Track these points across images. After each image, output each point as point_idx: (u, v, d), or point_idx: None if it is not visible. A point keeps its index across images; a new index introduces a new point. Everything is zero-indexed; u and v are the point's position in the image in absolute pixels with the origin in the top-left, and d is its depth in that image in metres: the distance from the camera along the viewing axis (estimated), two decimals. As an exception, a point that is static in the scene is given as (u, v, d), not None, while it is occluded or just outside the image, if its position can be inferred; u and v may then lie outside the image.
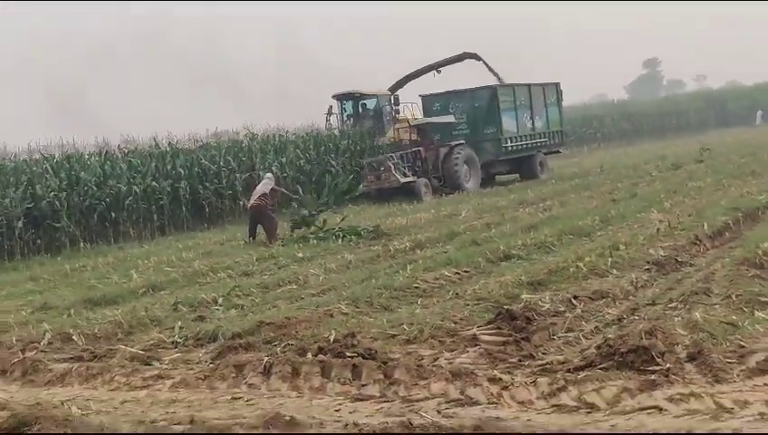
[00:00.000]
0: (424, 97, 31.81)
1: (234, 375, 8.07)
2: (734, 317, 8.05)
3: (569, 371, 7.04)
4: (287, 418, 6.62)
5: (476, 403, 6.59)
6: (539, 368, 7.25)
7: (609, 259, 11.59)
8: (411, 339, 8.49)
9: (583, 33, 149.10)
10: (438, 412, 6.40)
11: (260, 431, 6.34)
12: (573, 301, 9.28)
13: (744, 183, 20.37)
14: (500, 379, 6.99)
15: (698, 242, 12.59)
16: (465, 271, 12.12)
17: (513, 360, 7.55)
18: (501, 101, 30.14)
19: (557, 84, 33.66)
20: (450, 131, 29.67)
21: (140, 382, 8.34)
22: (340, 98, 31.43)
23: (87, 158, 25.91)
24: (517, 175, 31.52)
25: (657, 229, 13.94)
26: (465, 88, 31.16)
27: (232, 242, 20.75)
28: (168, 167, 27.25)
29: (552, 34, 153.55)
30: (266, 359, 8.18)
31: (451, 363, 7.57)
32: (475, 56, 31.59)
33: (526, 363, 7.42)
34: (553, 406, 6.38)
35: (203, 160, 28.01)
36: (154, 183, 26.38)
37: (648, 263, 11.18)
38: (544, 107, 32.42)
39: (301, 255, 16.23)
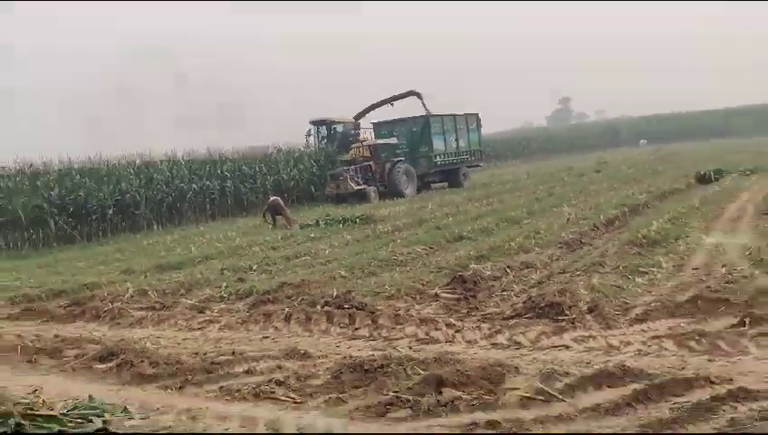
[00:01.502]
0: (375, 123, 30.98)
1: (263, 321, 8.13)
2: (620, 282, 8.10)
3: (503, 319, 7.09)
4: (302, 351, 6.66)
5: (437, 341, 6.65)
6: (482, 317, 7.28)
7: (533, 240, 11.64)
8: (391, 296, 8.52)
9: (515, 74, 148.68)
10: (410, 348, 6.46)
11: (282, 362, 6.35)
12: (507, 269, 9.30)
13: (629, 187, 20.45)
14: (454, 324, 7.06)
15: (596, 228, 12.65)
16: (431, 247, 12.14)
17: (464, 311, 7.58)
18: (432, 127, 29.30)
19: (477, 114, 32.63)
20: (394, 150, 28.57)
21: (196, 325, 8.37)
22: (317, 123, 30.29)
23: (159, 163, 25.78)
24: (446, 183, 30.63)
25: (567, 219, 13.99)
26: (406, 117, 30.22)
27: (262, 226, 20.69)
28: (218, 171, 27.11)
29: (491, 77, 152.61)
30: (287, 309, 8.25)
31: (419, 313, 7.60)
32: (418, 94, 30.29)
33: (473, 314, 7.45)
34: (492, 344, 6.44)
35: (243, 166, 27.92)
36: (207, 182, 26.30)
37: (560, 243, 11.23)
38: (467, 132, 31.48)
39: (313, 235, 16.21)
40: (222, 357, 6.67)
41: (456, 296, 8.09)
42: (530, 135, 66.44)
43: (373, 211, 20.11)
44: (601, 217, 13.72)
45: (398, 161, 27.61)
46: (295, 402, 5.44)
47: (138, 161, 25.17)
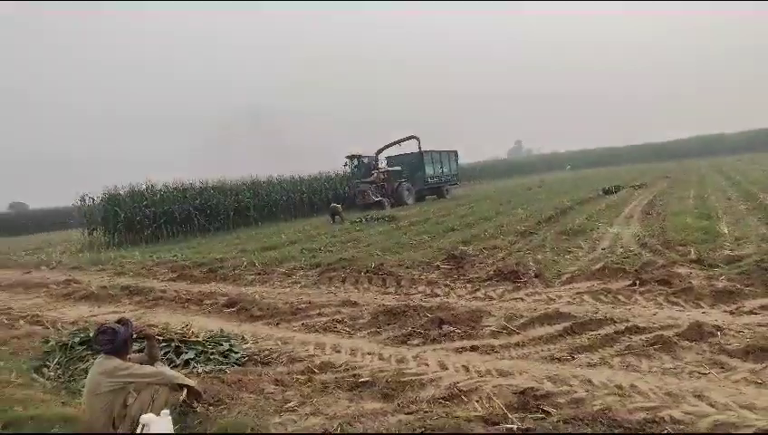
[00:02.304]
0: (388, 158, 29.97)
1: (328, 282, 8.11)
2: (555, 257, 7.97)
3: (480, 281, 6.99)
4: (353, 301, 6.65)
5: (438, 296, 6.60)
6: (467, 280, 7.18)
7: (499, 231, 11.44)
8: (409, 266, 8.42)
9: (485, 119, 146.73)
10: (421, 300, 6.40)
11: (339, 308, 6.35)
12: (483, 250, 9.17)
13: (559, 197, 20.09)
14: (449, 285, 6.99)
15: (539, 223, 12.43)
16: (433, 236, 12.00)
17: (455, 276, 7.47)
18: (424, 159, 28.47)
19: (455, 151, 31.94)
20: (400, 174, 27.91)
21: (287, 285, 8.37)
22: (350, 157, 29.11)
23: (261, 182, 25.97)
24: (435, 196, 29.59)
25: (521, 217, 13.79)
26: (406, 153, 29.20)
27: (326, 222, 20.74)
28: (299, 187, 27.19)
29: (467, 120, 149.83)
30: (343, 275, 8.22)
31: (427, 278, 7.52)
32: (416, 138, 29.03)
33: (461, 278, 7.35)
34: (473, 297, 6.36)
35: (314, 184, 28.01)
36: (292, 195, 26.39)
37: (516, 233, 11.06)
38: (448, 162, 30.66)
39: (358, 229, 16.15)
40: (303, 305, 6.71)
41: (450, 267, 8.01)
42: (496, 163, 65.66)
43: (395, 213, 20.05)
44: (542, 215, 13.50)
45: (402, 181, 27.18)
46: (349, 334, 5.46)
47: (249, 181, 25.37)
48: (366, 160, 29.28)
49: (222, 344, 5.00)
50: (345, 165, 29.51)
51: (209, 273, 10.00)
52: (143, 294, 8.50)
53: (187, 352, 4.76)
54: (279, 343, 5.34)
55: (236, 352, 4.91)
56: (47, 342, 5.35)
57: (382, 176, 27.29)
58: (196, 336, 5.05)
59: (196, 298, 7.73)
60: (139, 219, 19.80)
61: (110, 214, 19.69)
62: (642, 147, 71.13)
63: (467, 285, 6.89)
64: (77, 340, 5.14)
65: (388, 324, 5.54)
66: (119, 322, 3.42)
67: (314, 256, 10.71)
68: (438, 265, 8.19)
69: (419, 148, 29.06)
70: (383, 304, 6.26)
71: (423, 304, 6.11)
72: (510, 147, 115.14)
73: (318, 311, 6.37)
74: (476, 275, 7.37)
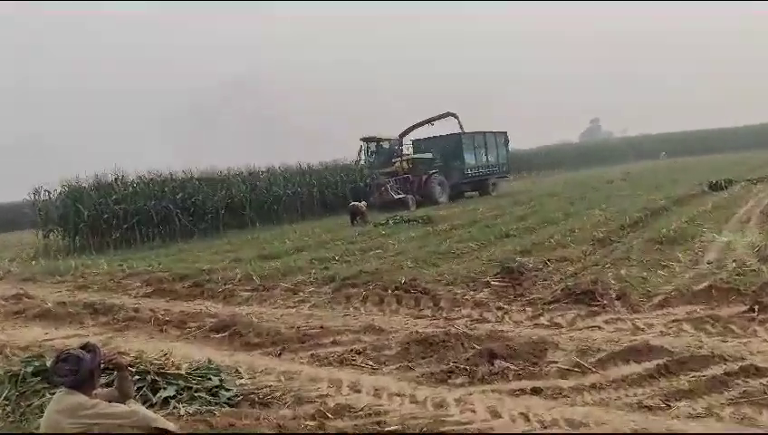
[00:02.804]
0: (414, 141, 29.92)
1: (345, 302, 8.18)
2: (644, 273, 7.86)
3: (544, 304, 6.96)
4: (377, 327, 6.69)
5: (489, 321, 6.60)
6: (526, 301, 7.17)
7: (569, 238, 11.35)
8: (450, 283, 8.45)
9: (555, 93, 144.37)
10: (466, 326, 6.41)
11: (361, 336, 6.38)
12: (547, 262, 9.10)
13: (650, 193, 19.73)
14: (503, 307, 7.00)
15: (623, 228, 12.26)
16: (482, 243, 11.98)
17: (511, 296, 7.46)
18: (464, 144, 28.32)
19: (505, 133, 31.42)
20: (430, 164, 27.69)
21: (291, 304, 8.49)
22: (366, 140, 29.29)
23: (260, 174, 26.30)
24: (477, 192, 29.51)
25: (598, 220, 13.63)
26: (441, 135, 29.10)
27: (343, 224, 20.86)
28: (307, 179, 27.45)
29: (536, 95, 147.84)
30: (364, 292, 8.26)
31: (473, 298, 7.53)
32: (455, 115, 28.90)
33: (519, 299, 7.33)
34: (535, 324, 6.35)
35: (327, 176, 28.18)
36: (299, 189, 26.65)
37: (593, 240, 10.93)
38: (495, 147, 30.37)
39: (384, 232, 16.21)
40: (312, 330, 6.77)
41: (504, 284, 7.97)
42: (564, 149, 64.93)
43: (433, 213, 20.04)
44: (627, 218, 13.29)
45: (433, 173, 26.90)
46: (372, 368, 5.48)
47: (244, 172, 25.74)
48: (386, 145, 29.04)
49: (210, 379, 5.07)
50: (360, 150, 29.49)
51: (194, 287, 10.15)
52: (111, 313, 8.70)
53: (165, 388, 4.85)
54: (282, 378, 5.39)
55: (228, 390, 4.98)
56: (-7, 371, 5.54)
57: (406, 165, 27.09)
58: (178, 368, 5.14)
59: (178, 320, 7.88)
60: (105, 218, 20.35)
61: (71, 212, 20.29)
62: (763, 128, 69.11)
63: (527, 309, 6.85)
64: (30, 369, 5.29)
65: (423, 358, 5.53)
66: (83, 347, 3.51)
67: (327, 268, 10.79)
68: (489, 282, 8.16)
69: (461, 128, 28.86)
70: (416, 332, 6.26)
71: (468, 331, 6.09)
72: (583, 128, 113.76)
73: (332, 338, 6.41)
74: (539, 296, 7.31)
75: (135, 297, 10.23)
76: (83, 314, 8.82)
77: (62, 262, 16.22)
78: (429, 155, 28.33)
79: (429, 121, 29.12)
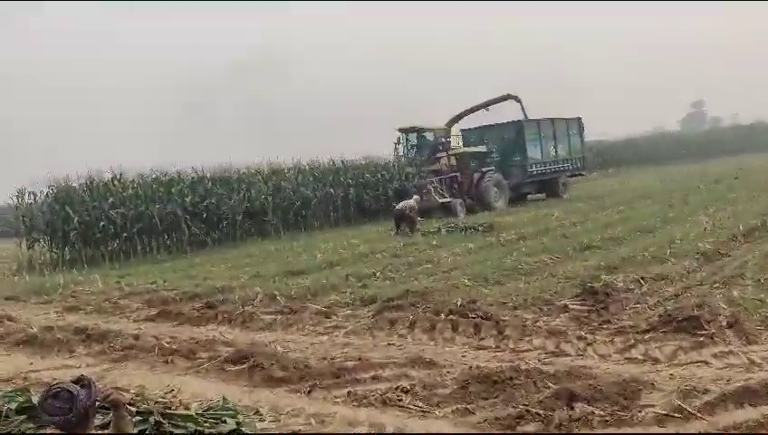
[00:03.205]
0: (464, 131, 29.55)
1: (388, 328, 8.21)
2: (762, 296, 7.72)
3: (637, 333, 6.89)
4: (427, 359, 6.68)
5: (567, 354, 6.56)
6: (614, 330, 7.11)
7: (668, 250, 11.20)
8: (517, 306, 8.44)
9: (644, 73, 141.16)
10: (539, 360, 6.38)
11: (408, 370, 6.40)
12: (640, 281, 9.01)
13: (772, 194, 19.24)
14: (585, 337, 6.94)
15: (735, 238, 12.02)
16: (558, 257, 11.91)
17: (595, 324, 7.42)
18: (527, 133, 27.94)
19: (579, 118, 30.75)
20: (484, 159, 27.43)
21: (323, 330, 8.57)
22: (405, 131, 28.99)
23: (286, 171, 26.57)
24: (543, 193, 29.26)
25: (704, 228, 13.39)
26: (496, 123, 28.93)
27: (384, 233, 20.93)
28: (341, 178, 27.65)
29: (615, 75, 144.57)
30: (411, 317, 8.28)
31: (548, 325, 7.50)
32: (516, 98, 28.57)
33: (605, 327, 7.28)
34: (626, 359, 6.29)
35: (366, 174, 28.26)
36: (331, 190, 26.85)
37: (698, 253, 10.74)
38: (567, 137, 29.73)
39: (435, 243, 16.23)
40: (349, 362, 6.80)
41: (586, 308, 7.91)
42: (661, 139, 63.70)
43: (496, 219, 19.94)
44: (740, 226, 13.00)
45: (488, 171, 26.53)
46: (422, 411, 5.46)
47: (265, 169, 26.08)
48: (430, 136, 28.53)
49: (225, 422, 5.14)
50: (396, 143, 28.95)
51: (206, 309, 10.32)
52: (107, 340, 8.89)
53: (172, 433, 4.94)
54: (312, 421, 5.43)
55: (247, 435, 5.04)
56: (-29, 407, 5.74)
57: (453, 161, 26.74)
58: (187, 408, 5.22)
59: (186, 349, 7.99)
60: (101, 226, 20.88)
61: (59, 218, 20.89)
62: None
63: (615, 339, 6.77)
64: (13, 406, 5.45)
65: (485, 399, 5.50)
66: (76, 382, 3.61)
67: (366, 287, 10.86)
68: (567, 306, 8.11)
69: (524, 114, 28.41)
70: (476, 366, 6.24)
71: (542, 367, 6.04)
72: (684, 113, 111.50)
73: (373, 373, 6.42)
74: (630, 323, 7.22)
75: (135, 321, 10.46)
76: (74, 341, 9.03)
77: (48, 278, 16.72)
78: (483, 148, 28.01)
79: (484, 106, 28.68)
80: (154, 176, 22.88)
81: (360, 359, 6.90)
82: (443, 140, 28.21)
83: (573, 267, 10.67)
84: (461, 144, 28.89)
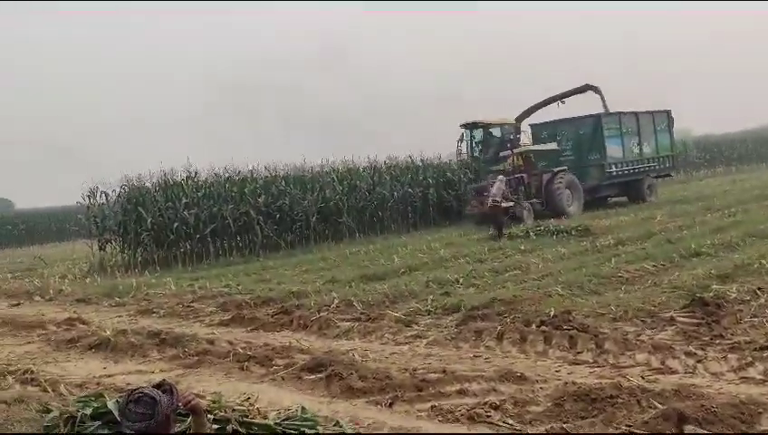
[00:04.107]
0: (533, 126, 28.52)
1: (474, 338, 8.19)
2: None
3: (755, 350, 6.65)
4: (518, 374, 6.62)
5: (674, 372, 6.40)
6: (728, 346, 6.88)
7: (788, 258, 10.74)
8: (617, 318, 8.28)
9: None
10: (642, 378, 6.24)
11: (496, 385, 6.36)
12: (758, 292, 8.69)
13: None
14: (695, 353, 6.76)
15: None
16: (662, 264, 11.64)
17: (706, 338, 7.20)
18: (606, 128, 26.52)
19: (668, 112, 29.21)
20: (556, 158, 26.19)
21: (403, 339, 8.61)
22: (469, 126, 27.66)
23: (361, 170, 26.80)
24: (625, 196, 27.90)
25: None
26: (572, 117, 27.48)
27: (468, 236, 20.86)
28: (420, 177, 27.70)
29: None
30: (499, 327, 8.25)
31: (652, 339, 7.33)
32: (595, 88, 27.27)
33: (717, 342, 7.06)
34: (742, 378, 6.09)
35: (447, 173, 28.19)
36: (409, 189, 26.92)
37: (822, 263, 10.28)
38: (653, 133, 28.20)
39: (523, 247, 16.09)
40: (432, 375, 6.79)
41: (695, 321, 7.70)
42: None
43: (591, 222, 19.58)
44: None
45: (560, 172, 25.15)
46: (513, 429, 5.41)
47: (340, 168, 26.37)
48: (497, 133, 27.51)
49: (304, 433, 5.22)
50: (460, 139, 27.76)
51: (281, 315, 10.53)
52: (180, 344, 9.18)
53: (250, 442, 5.05)
54: (395, 436, 5.46)
55: (327, 448, 5.10)
56: (47, 411, 6.00)
57: (519, 161, 25.37)
58: (264, 417, 5.32)
59: (262, 355, 8.17)
60: (174, 227, 21.53)
61: (131, 218, 21.67)
62: None
63: (729, 356, 6.57)
64: (88, 411, 5.68)
65: (583, 418, 5.41)
66: (158, 387, 3.73)
67: (449, 294, 10.85)
68: (673, 318, 7.94)
69: (605, 107, 26.81)
70: (572, 382, 6.15)
71: (646, 385, 5.91)
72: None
73: (458, 386, 6.41)
74: (746, 339, 7.00)
75: (209, 326, 10.75)
76: (147, 345, 9.36)
77: (120, 280, 17.38)
78: (554, 145, 26.86)
79: (560, 99, 27.64)
80: (227, 175, 23.44)
81: (444, 371, 6.87)
82: (511, 136, 27.23)
83: (680, 276, 10.39)
84: (530, 141, 27.93)
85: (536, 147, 26.91)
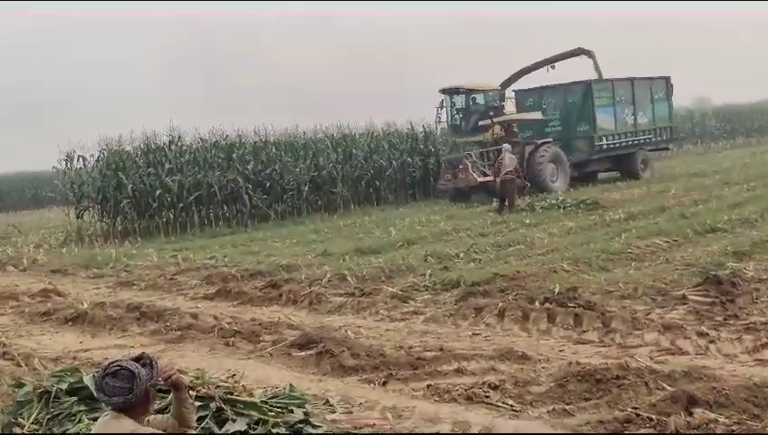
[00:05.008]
0: (517, 92, 27.57)
1: (473, 316, 8.24)
2: None
3: (772, 329, 6.68)
4: (519, 353, 6.66)
5: (685, 353, 6.44)
6: (742, 327, 6.93)
7: (808, 236, 10.80)
8: (626, 295, 8.33)
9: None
10: (651, 359, 6.29)
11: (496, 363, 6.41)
12: (775, 271, 8.72)
13: None
14: (707, 334, 6.81)
15: None
16: (675, 240, 11.67)
17: (719, 318, 7.25)
18: (596, 96, 25.53)
19: (667, 78, 28.23)
20: (541, 129, 25.36)
21: (399, 316, 8.66)
22: (449, 92, 26.25)
23: (358, 137, 26.72)
24: (618, 171, 26.95)
25: None
26: (559, 83, 26.41)
27: (468, 208, 20.87)
28: (421, 146, 27.66)
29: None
30: (500, 304, 8.28)
31: (662, 318, 7.37)
32: (588, 52, 26.68)
33: (731, 322, 7.10)
34: (756, 360, 6.13)
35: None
36: (408, 158, 26.86)
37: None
38: (650, 102, 27.24)
39: (528, 221, 16.10)
40: (428, 353, 6.84)
41: (708, 300, 7.73)
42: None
43: (601, 195, 19.61)
44: None
45: (544, 144, 24.09)
46: (513, 410, 5.46)
47: (335, 134, 26.26)
48: (481, 99, 26.33)
49: (292, 411, 5.24)
50: (439, 106, 26.35)
51: (270, 289, 10.56)
52: (162, 318, 9.22)
53: (235, 420, 5.05)
54: (389, 415, 5.49)
55: (315, 427, 5.12)
56: (20, 386, 6.03)
57: (500, 131, 24.63)
58: (250, 394, 5.34)
59: (249, 330, 8.21)
60: (157, 195, 21.46)
61: (111, 185, 21.56)
62: None
63: (744, 337, 6.62)
64: (64, 386, 5.71)
65: (587, 399, 5.46)
66: (137, 360, 3.74)
67: (448, 269, 10.89)
68: (685, 296, 7.96)
69: (598, 73, 26.30)
70: (577, 362, 6.20)
71: (655, 365, 5.96)
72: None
73: (456, 365, 6.46)
74: (762, 319, 7.04)
75: (193, 299, 10.77)
76: (127, 319, 9.40)
77: (99, 250, 17.37)
78: (538, 115, 25.88)
79: (550, 63, 27.04)
80: (213, 140, 23.34)
81: (441, 349, 6.92)
82: (495, 104, 26.19)
83: (694, 252, 10.43)
84: (514, 109, 27.14)
85: (519, 116, 26.12)
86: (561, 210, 17.34)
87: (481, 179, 22.39)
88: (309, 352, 7.14)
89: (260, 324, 8.49)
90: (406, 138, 27.76)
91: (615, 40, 75.20)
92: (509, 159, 19.45)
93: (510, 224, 16.00)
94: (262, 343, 7.75)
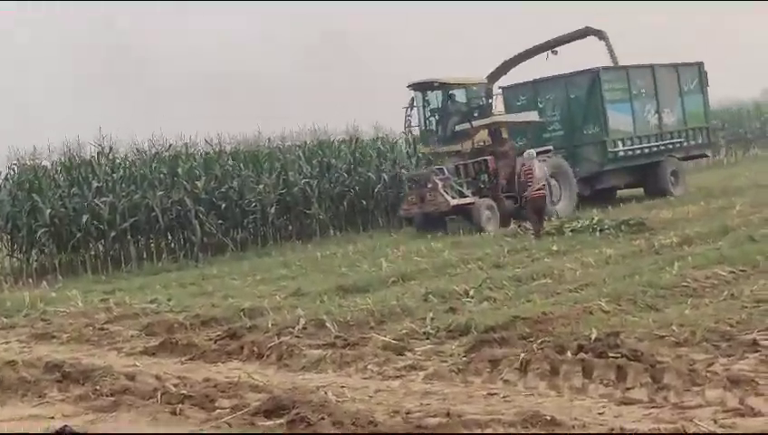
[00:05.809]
0: (505, 88, 27.00)
1: (488, 370, 8.17)
2: None
3: None
4: (547, 417, 6.61)
5: (758, 414, 6.35)
6: (833, 381, 6.89)
7: None
8: (681, 342, 8.29)
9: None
10: (715, 422, 6.21)
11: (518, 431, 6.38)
12: None
13: None
14: (786, 390, 6.73)
15: None
16: (742, 270, 11.64)
17: (804, 370, 7.20)
18: (606, 89, 24.85)
19: (699, 65, 27.52)
20: (540, 133, 24.84)
21: (393, 372, 8.59)
22: (421, 87, 25.23)
23: (337, 145, 26.75)
24: (641, 187, 26.59)
25: None
26: (559, 74, 25.91)
27: (478, 233, 20.84)
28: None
29: None
30: (522, 355, 8.20)
31: (728, 370, 7.31)
32: (598, 33, 26.49)
33: (816, 374, 7.06)
34: None
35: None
36: (403, 171, 26.87)
37: None
38: (679, 96, 26.57)
39: (555, 248, 16.12)
40: (432, 419, 6.75)
41: (786, 346, 7.70)
42: None
43: (647, 213, 19.66)
44: None
45: (542, 153, 22.43)
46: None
47: (308, 141, 26.28)
48: (461, 96, 25.36)
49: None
50: (409, 105, 25.15)
51: (228, 340, 10.50)
52: (91, 381, 9.09)
53: None
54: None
55: None
56: None
57: (485, 136, 23.71)
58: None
59: (201, 394, 8.11)
60: (83, 223, 21.36)
61: (23, 210, 21.47)
62: None
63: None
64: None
65: (635, 476, 5.43)
66: (59, 434, 3.71)
67: (455, 310, 10.87)
68: (756, 341, 7.97)
69: (612, 59, 25.97)
70: (620, 428, 6.15)
71: (719, 430, 5.96)
72: None
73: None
74: None
75: (129, 355, 10.68)
76: (45, 382, 9.27)
77: (9, 293, 17.26)
78: (534, 115, 25.10)
79: (551, 47, 26.93)
80: (154, 151, 23.30)
81: (448, 414, 6.83)
82: (480, 102, 25.33)
83: (766, 285, 10.44)
84: (503, 108, 26.52)
85: (508, 117, 25.38)
86: (598, 234, 17.40)
87: (455, 202, 21.75)
88: (278, 421, 7.05)
89: (215, 386, 8.39)
90: (397, 145, 27.83)
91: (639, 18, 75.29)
92: (539, 171, 19.09)
93: (533, 252, 16.01)
94: (218, 411, 7.65)
